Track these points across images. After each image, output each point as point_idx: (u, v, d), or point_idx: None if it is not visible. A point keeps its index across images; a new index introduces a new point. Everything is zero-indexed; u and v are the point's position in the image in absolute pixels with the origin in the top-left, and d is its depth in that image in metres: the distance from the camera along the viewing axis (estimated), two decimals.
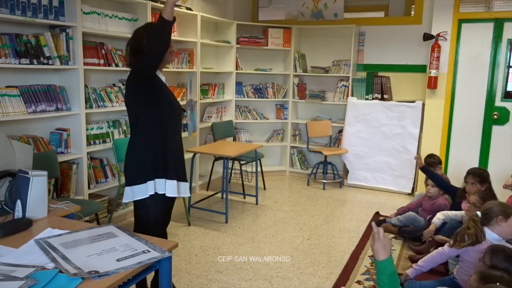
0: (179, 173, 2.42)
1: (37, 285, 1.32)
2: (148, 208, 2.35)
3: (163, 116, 2.35)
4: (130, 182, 2.35)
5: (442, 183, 3.78)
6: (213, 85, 5.43)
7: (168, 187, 2.36)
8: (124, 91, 3.97)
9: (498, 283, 1.80)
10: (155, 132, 2.34)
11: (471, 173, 3.49)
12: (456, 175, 4.38)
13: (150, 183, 2.32)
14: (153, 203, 2.35)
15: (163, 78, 2.42)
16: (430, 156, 4.39)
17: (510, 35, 4.68)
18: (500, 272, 1.99)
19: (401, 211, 3.95)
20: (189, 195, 2.53)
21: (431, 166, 4.30)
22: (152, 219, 2.38)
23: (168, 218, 2.57)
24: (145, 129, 2.34)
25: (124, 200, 2.38)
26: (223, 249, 3.51)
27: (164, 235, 2.56)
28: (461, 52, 4.91)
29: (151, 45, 2.17)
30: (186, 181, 2.48)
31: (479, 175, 3.44)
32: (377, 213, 4.41)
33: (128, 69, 2.40)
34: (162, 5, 4.24)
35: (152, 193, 2.32)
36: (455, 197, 3.60)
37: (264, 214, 4.40)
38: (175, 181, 2.38)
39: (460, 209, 3.44)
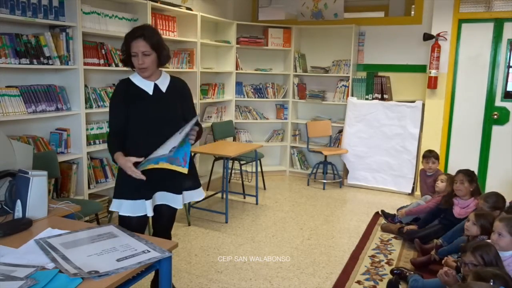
0: (147, 192, 2.31)
1: (37, 285, 1.32)
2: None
3: (135, 132, 2.31)
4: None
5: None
6: (213, 85, 5.43)
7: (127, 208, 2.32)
8: None
9: (492, 280, 1.82)
10: (128, 148, 2.29)
11: (461, 172, 3.54)
12: None
13: (119, 202, 2.34)
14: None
15: (148, 87, 2.33)
16: (429, 151, 4.45)
17: (510, 35, 4.68)
18: (492, 268, 2.01)
19: (416, 212, 3.92)
20: (151, 214, 2.34)
21: (425, 158, 4.37)
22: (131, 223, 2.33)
23: (166, 224, 2.57)
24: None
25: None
26: (223, 249, 3.51)
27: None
28: (461, 52, 4.91)
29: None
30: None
31: (469, 174, 3.50)
32: (377, 213, 4.41)
33: (127, 68, 2.39)
34: (162, 5, 4.27)
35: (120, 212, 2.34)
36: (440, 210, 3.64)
37: (264, 214, 4.40)
38: (137, 201, 2.31)
39: (448, 216, 3.47)
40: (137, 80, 2.34)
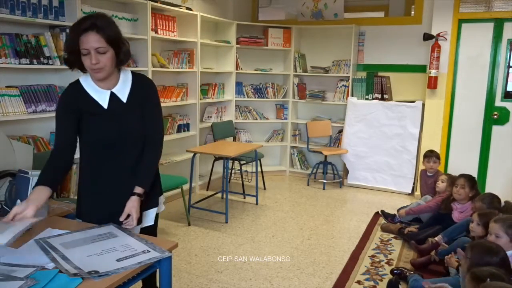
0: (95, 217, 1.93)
1: (37, 285, 1.32)
2: None
3: (87, 155, 1.94)
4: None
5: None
6: (213, 85, 5.43)
7: None
8: None
9: (488, 279, 1.83)
10: (81, 175, 1.99)
11: (464, 176, 3.59)
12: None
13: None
14: None
15: (103, 99, 1.85)
16: (431, 151, 4.49)
17: (510, 35, 4.68)
18: (489, 267, 2.01)
19: (416, 211, 3.95)
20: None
21: (426, 158, 4.41)
22: None
23: None
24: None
25: None
26: (223, 249, 3.51)
27: None
28: (461, 52, 4.91)
29: None
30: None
31: (471, 180, 3.55)
32: (377, 213, 4.41)
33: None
34: (162, 5, 4.27)
35: None
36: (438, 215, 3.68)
37: (264, 214, 4.40)
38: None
39: (448, 221, 3.48)
40: (89, 86, 1.87)
